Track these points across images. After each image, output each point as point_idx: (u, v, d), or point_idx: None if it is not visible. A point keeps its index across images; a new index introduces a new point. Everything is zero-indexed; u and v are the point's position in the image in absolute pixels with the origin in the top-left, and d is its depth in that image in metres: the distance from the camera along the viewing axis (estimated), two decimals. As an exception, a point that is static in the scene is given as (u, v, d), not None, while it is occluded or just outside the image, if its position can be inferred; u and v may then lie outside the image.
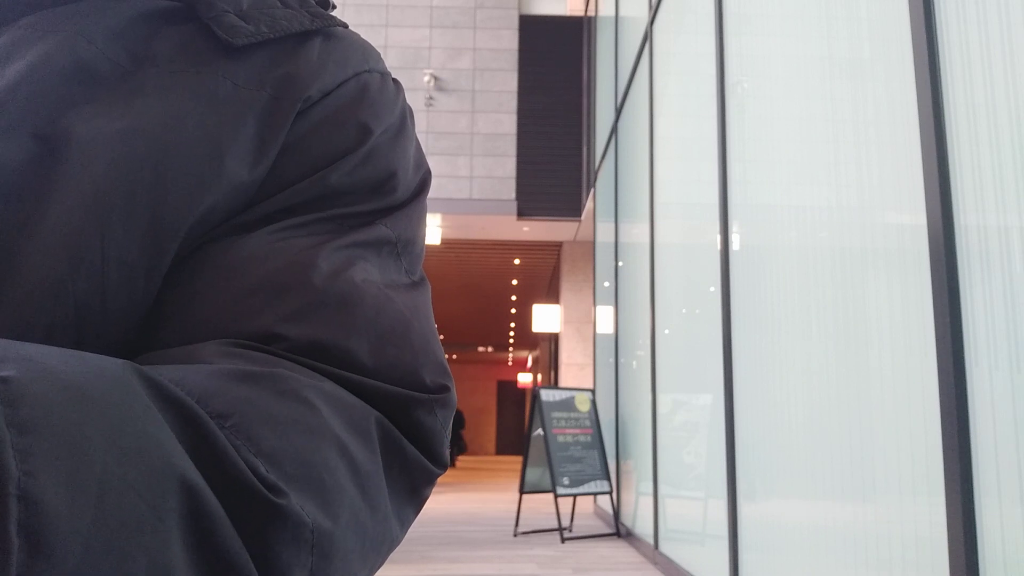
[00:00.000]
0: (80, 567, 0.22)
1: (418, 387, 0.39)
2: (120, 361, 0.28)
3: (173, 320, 0.37)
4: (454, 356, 22.66)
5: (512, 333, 18.39)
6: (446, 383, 0.41)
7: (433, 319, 0.44)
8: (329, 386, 0.35)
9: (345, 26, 0.47)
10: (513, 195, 8.67)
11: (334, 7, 0.50)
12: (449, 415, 0.41)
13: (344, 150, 0.43)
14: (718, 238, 3.13)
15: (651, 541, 4.49)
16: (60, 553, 0.22)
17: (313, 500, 0.31)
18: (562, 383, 9.49)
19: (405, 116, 0.48)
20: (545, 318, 10.40)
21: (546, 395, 5.86)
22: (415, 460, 0.38)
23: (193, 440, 0.28)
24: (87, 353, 0.28)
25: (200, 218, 0.38)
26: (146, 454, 0.25)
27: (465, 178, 8.64)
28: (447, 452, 0.41)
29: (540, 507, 7.40)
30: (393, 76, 0.50)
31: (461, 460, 18.86)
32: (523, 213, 8.68)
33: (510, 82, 8.92)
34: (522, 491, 5.88)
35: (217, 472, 0.28)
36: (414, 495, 0.39)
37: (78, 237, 0.35)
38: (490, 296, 13.84)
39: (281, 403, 0.32)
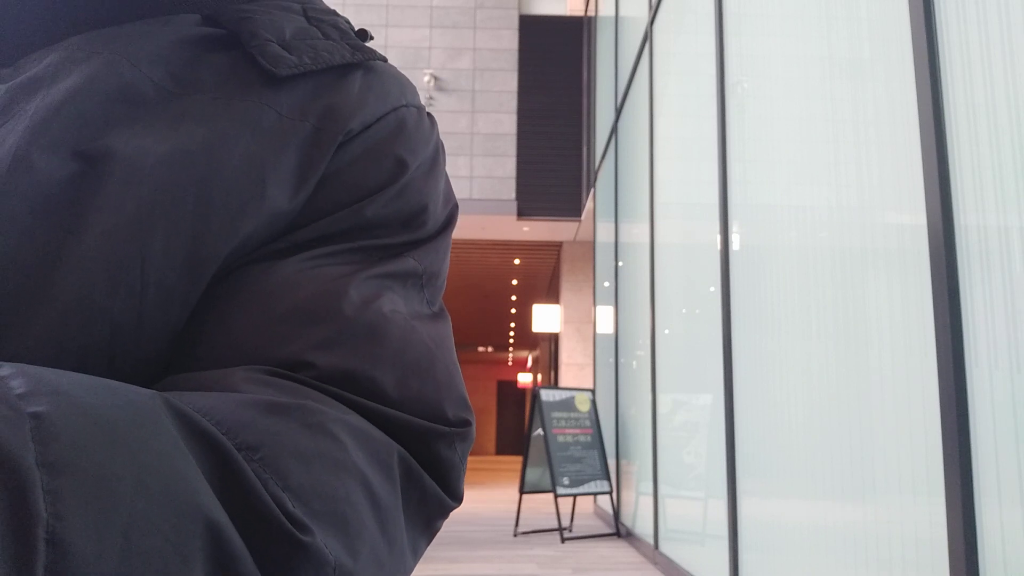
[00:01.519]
0: None
1: (440, 420, 0.40)
2: (150, 392, 0.28)
3: (204, 342, 0.37)
4: (454, 356, 22.58)
5: (512, 333, 18.38)
6: (467, 417, 0.42)
7: (455, 352, 0.45)
8: (355, 419, 0.36)
9: (384, 60, 0.48)
10: (513, 195, 8.67)
11: (371, 38, 0.50)
12: (467, 449, 0.42)
13: (380, 183, 0.43)
14: (718, 238, 3.13)
15: (651, 541, 4.49)
16: None
17: (336, 537, 0.31)
18: (562, 383, 9.49)
19: (438, 151, 0.49)
20: (545, 318, 10.40)
21: (546, 395, 5.86)
22: (433, 494, 0.39)
23: (221, 474, 0.28)
24: (117, 383, 0.28)
25: (239, 245, 0.39)
26: (173, 494, 0.26)
27: (465, 178, 8.64)
28: (462, 486, 0.42)
29: (540, 507, 7.40)
30: (428, 110, 0.50)
31: (461, 460, 18.80)
32: (523, 213, 8.68)
33: (510, 82, 8.92)
34: (522, 491, 5.88)
35: (244, 507, 0.28)
36: (428, 528, 0.40)
37: (119, 259, 0.35)
38: (490, 296, 13.84)
39: (309, 437, 0.32)
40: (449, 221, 0.48)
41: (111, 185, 0.36)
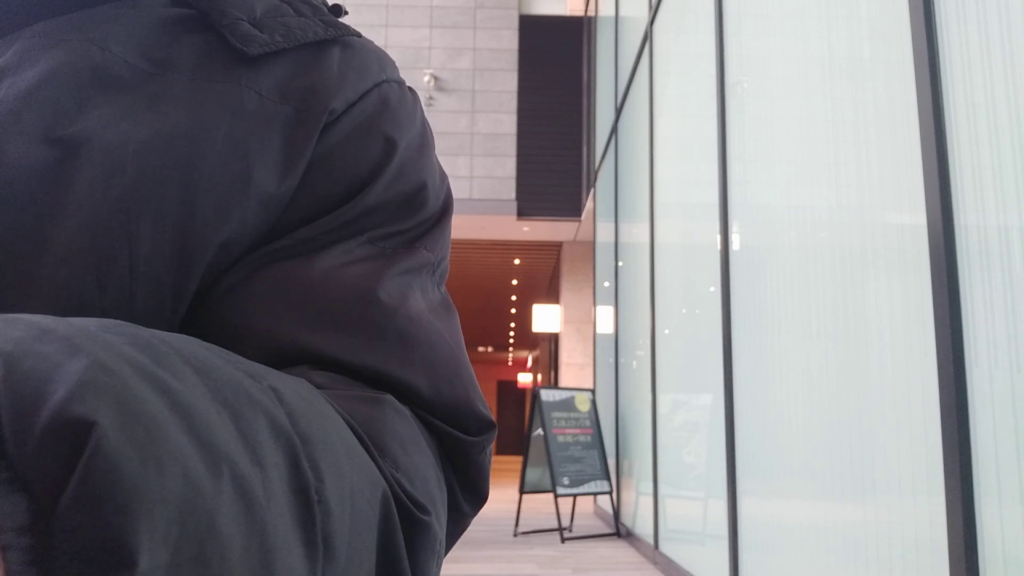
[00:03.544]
0: (345, 569, 0.25)
1: (474, 425, 0.41)
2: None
3: (231, 347, 0.36)
4: (454, 356, 22.61)
5: (512, 333, 18.38)
6: (492, 419, 0.43)
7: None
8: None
9: (359, 35, 0.47)
10: (513, 195, 8.67)
11: (346, 13, 0.50)
12: (491, 449, 0.44)
13: (374, 164, 0.43)
14: (718, 238, 3.13)
15: (651, 541, 4.49)
16: (338, 556, 0.25)
17: (433, 515, 0.34)
18: (562, 383, 9.49)
19: (425, 126, 0.49)
20: (545, 318, 10.40)
21: (546, 395, 5.86)
22: (454, 499, 0.41)
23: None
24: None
25: (229, 235, 0.38)
26: (365, 465, 0.29)
27: (465, 178, 8.64)
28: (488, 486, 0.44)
29: (540, 507, 7.40)
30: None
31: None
32: (523, 213, 8.68)
33: (510, 82, 8.92)
34: (522, 491, 5.88)
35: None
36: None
37: (105, 249, 0.34)
38: (490, 296, 13.83)
39: (401, 423, 0.35)
40: (448, 200, 0.48)
41: (91, 171, 0.35)
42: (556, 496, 5.40)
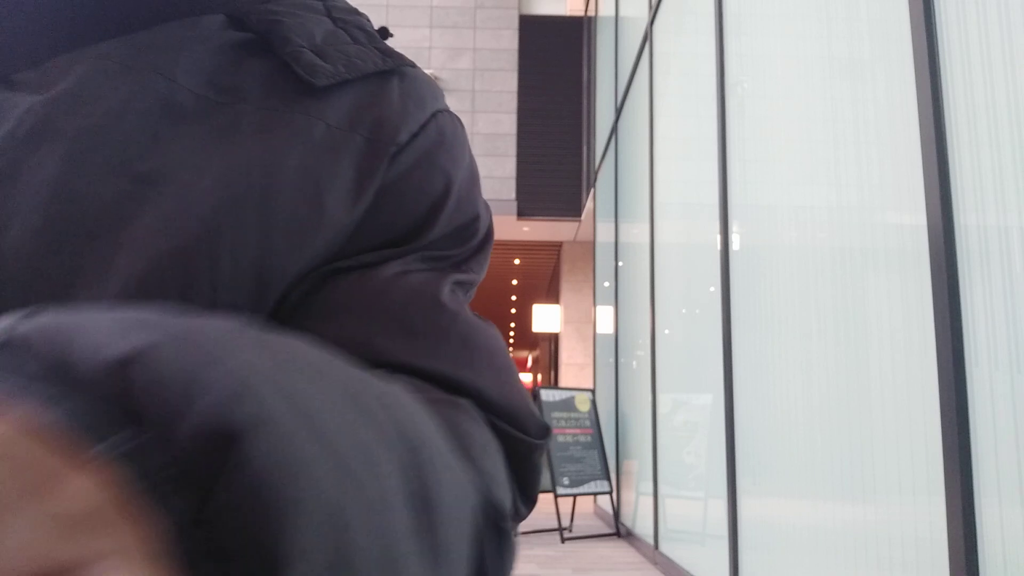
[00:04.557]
0: None
1: (534, 428, 0.41)
2: None
3: None
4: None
5: (512, 333, 18.38)
6: (547, 423, 0.43)
7: None
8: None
9: (413, 65, 0.48)
10: (513, 195, 8.67)
11: (391, 35, 0.50)
12: None
13: (434, 200, 0.44)
14: (718, 238, 3.13)
15: (651, 541, 4.49)
16: (449, 564, 0.26)
17: (511, 521, 0.35)
18: (562, 383, 9.49)
19: (471, 155, 0.50)
20: (545, 318, 10.41)
21: (546, 395, 5.86)
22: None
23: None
24: None
25: (304, 263, 0.38)
26: (462, 470, 0.30)
27: (465, 178, 8.64)
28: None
29: (540, 507, 7.40)
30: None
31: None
32: (523, 213, 8.68)
33: (510, 82, 8.92)
34: (522, 491, 5.88)
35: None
36: None
37: (188, 283, 0.34)
38: (490, 296, 13.84)
39: (478, 427, 0.35)
40: (491, 225, 0.50)
41: (168, 205, 0.35)
42: (556, 496, 5.40)
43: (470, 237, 0.46)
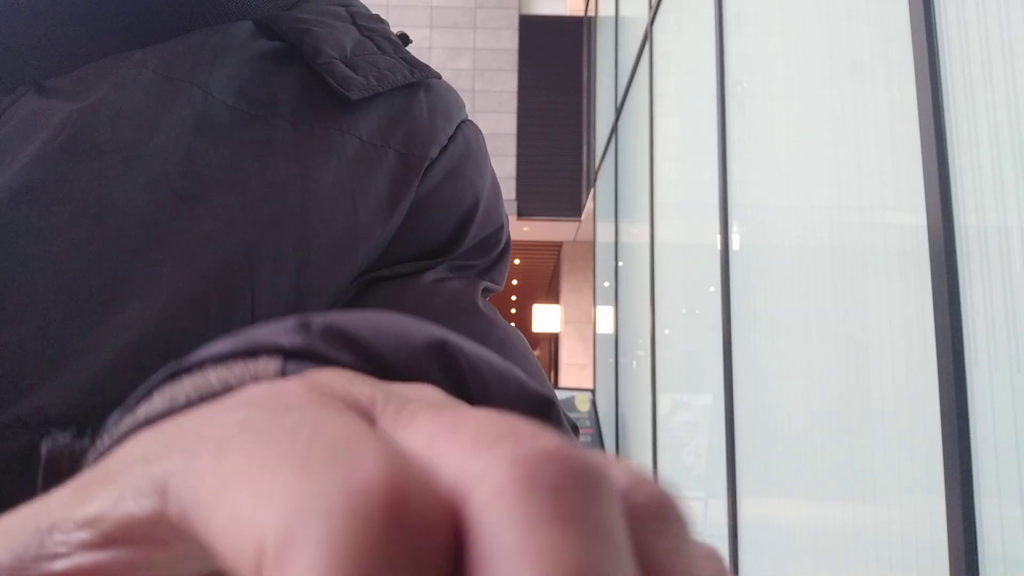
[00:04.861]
0: None
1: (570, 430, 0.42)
2: None
3: None
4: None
5: (512, 333, 18.37)
6: (577, 425, 0.45)
7: None
8: None
9: (438, 76, 0.48)
10: (513, 195, 8.67)
11: (410, 41, 0.50)
12: None
13: (464, 213, 0.45)
14: (718, 238, 3.13)
15: (651, 541, 4.49)
16: None
17: None
18: (562, 383, 9.49)
19: (491, 164, 0.51)
20: (545, 318, 10.41)
21: (546, 395, 5.86)
22: None
23: None
24: None
25: (341, 277, 0.39)
26: None
27: (465, 178, 8.65)
28: None
29: (540, 507, 7.39)
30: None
31: (461, 460, 18.85)
32: (523, 213, 8.68)
33: (510, 82, 8.93)
34: (522, 491, 5.88)
35: None
36: None
37: (228, 301, 0.35)
38: (490, 296, 13.83)
39: None
40: (509, 233, 0.51)
41: (208, 223, 0.35)
42: (556, 496, 5.39)
43: (494, 246, 0.47)
